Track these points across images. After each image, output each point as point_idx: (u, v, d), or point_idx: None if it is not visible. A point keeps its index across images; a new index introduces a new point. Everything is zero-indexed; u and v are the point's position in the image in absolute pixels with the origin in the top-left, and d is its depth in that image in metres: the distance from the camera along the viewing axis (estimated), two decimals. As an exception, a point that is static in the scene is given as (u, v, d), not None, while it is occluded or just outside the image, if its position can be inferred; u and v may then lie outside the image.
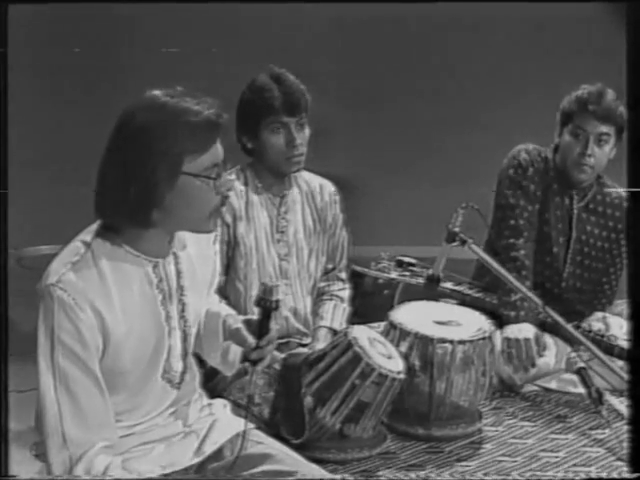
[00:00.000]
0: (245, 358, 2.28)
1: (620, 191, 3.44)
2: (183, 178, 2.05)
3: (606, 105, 3.22)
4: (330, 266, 3.30)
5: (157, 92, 2.09)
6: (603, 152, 3.25)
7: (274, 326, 2.23)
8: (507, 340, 3.11)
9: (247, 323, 2.29)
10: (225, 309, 2.45)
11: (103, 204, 2.10)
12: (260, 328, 2.22)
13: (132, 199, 2.04)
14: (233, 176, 3.05)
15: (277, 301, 2.20)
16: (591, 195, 3.40)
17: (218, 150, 2.10)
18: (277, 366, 2.82)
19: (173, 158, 2.03)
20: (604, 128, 3.22)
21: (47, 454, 2.06)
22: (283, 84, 2.99)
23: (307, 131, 3.04)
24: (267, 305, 2.19)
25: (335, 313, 3.25)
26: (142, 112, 2.06)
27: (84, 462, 2.04)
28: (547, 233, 3.38)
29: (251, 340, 2.22)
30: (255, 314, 2.24)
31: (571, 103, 3.28)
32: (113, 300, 2.08)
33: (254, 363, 2.22)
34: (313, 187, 3.22)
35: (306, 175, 3.21)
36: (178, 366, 2.25)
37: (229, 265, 3.09)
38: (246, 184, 3.11)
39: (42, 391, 2.05)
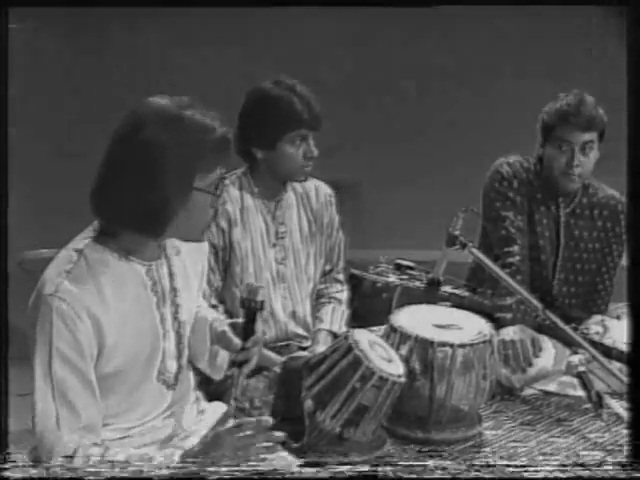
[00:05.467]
0: (232, 361, 2.28)
1: (607, 191, 3.46)
2: (192, 193, 2.06)
3: (587, 114, 3.22)
4: (328, 267, 3.31)
5: (166, 101, 2.08)
6: (589, 159, 3.27)
7: (260, 327, 2.24)
8: (503, 342, 3.12)
9: (233, 326, 2.30)
10: (212, 313, 2.47)
11: (107, 209, 2.09)
12: (245, 329, 2.23)
13: (144, 211, 2.05)
14: (227, 182, 3.06)
15: (262, 302, 2.22)
16: (577, 200, 3.42)
17: (223, 165, 2.11)
18: (277, 369, 2.82)
19: (188, 174, 2.04)
20: (587, 136, 3.24)
21: (49, 456, 2.06)
22: (303, 97, 2.97)
23: None
24: (252, 306, 2.21)
25: (334, 315, 3.26)
26: (154, 122, 2.04)
27: (79, 455, 2.04)
28: (534, 243, 3.39)
29: (237, 342, 2.24)
30: (241, 316, 2.26)
31: (551, 116, 3.28)
32: (109, 305, 2.09)
33: (240, 365, 2.23)
34: (308, 189, 3.23)
35: (301, 177, 3.21)
36: (172, 367, 2.26)
37: (226, 270, 3.09)
38: (241, 189, 3.10)
39: (38, 401, 2.06)
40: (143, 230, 2.09)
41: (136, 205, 2.04)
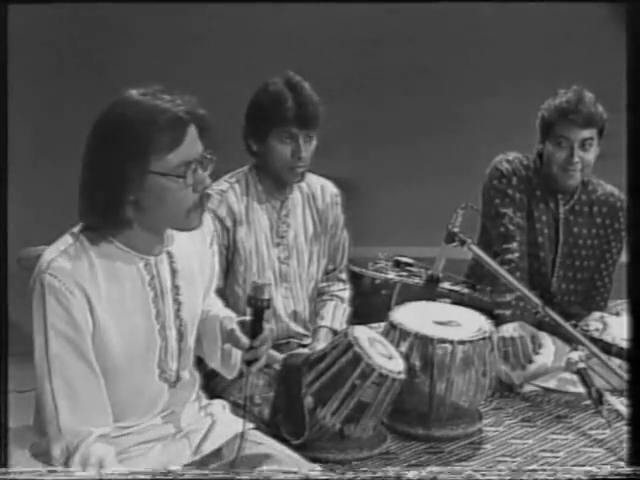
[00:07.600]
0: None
1: (607, 187, 3.46)
2: (151, 177, 2.04)
3: (586, 111, 3.23)
4: (331, 267, 3.30)
5: (133, 91, 2.09)
6: (589, 156, 3.27)
7: (267, 326, 2.22)
8: (503, 339, 3.13)
9: (241, 324, 2.28)
10: (224, 311, 2.45)
11: (81, 205, 2.10)
12: (253, 328, 2.21)
13: (102, 198, 2.05)
14: (223, 186, 3.06)
15: (268, 300, 2.20)
16: (576, 197, 3.42)
17: (191, 147, 2.07)
18: (277, 366, 2.82)
19: (139, 157, 2.03)
20: (587, 133, 3.24)
21: (48, 444, 2.06)
22: (299, 95, 2.97)
23: (314, 143, 3.04)
24: (258, 304, 2.19)
25: (335, 313, 3.25)
26: (114, 111, 2.07)
27: (80, 453, 2.05)
28: (534, 240, 3.39)
29: (245, 341, 2.22)
30: (248, 315, 2.25)
31: (551, 112, 3.28)
32: (101, 289, 2.08)
33: (249, 364, 2.22)
34: (314, 189, 3.21)
35: (307, 177, 3.20)
36: (174, 365, 2.25)
37: (228, 269, 3.09)
38: (247, 188, 3.10)
39: (39, 382, 2.06)
40: (103, 217, 2.08)
41: (95, 191, 2.05)
